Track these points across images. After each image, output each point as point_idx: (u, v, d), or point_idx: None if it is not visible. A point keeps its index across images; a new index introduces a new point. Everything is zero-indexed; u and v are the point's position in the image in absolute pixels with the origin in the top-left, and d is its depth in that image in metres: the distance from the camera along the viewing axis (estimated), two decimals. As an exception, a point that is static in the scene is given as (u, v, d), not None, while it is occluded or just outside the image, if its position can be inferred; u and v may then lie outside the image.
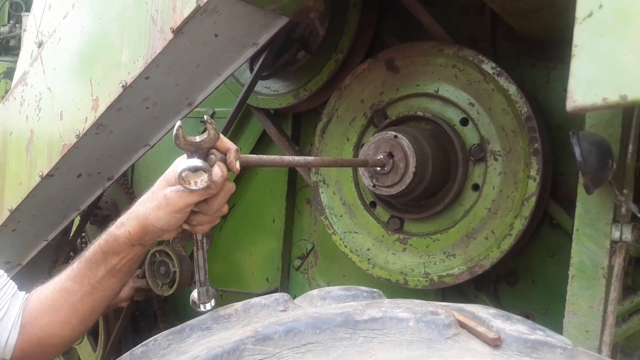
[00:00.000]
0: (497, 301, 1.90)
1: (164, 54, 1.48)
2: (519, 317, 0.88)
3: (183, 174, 0.93)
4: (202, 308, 1.09)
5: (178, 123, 0.93)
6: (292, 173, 2.32)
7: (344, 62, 1.99)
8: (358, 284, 1.11)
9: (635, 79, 0.80)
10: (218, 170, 0.96)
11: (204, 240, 1.08)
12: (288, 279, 2.37)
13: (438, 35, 1.79)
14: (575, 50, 0.85)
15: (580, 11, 0.85)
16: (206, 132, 0.95)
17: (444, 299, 1.91)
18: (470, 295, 1.90)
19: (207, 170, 0.94)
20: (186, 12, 1.37)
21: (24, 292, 1.23)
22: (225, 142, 1.00)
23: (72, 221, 2.28)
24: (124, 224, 1.08)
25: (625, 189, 1.21)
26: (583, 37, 0.85)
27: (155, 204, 1.01)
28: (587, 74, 0.84)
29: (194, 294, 1.09)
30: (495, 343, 0.79)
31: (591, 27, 0.84)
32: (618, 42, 0.81)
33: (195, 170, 0.93)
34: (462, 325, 0.85)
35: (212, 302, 1.10)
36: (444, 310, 0.84)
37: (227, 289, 2.43)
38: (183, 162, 0.95)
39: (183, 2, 1.38)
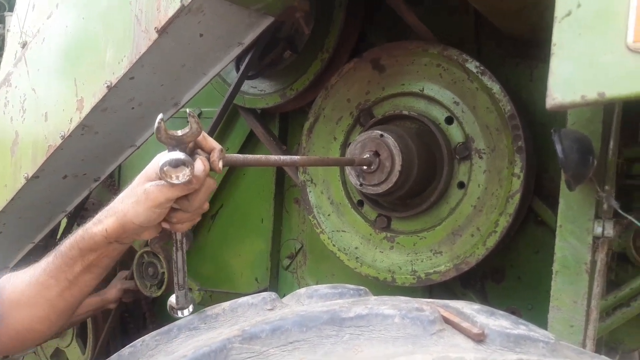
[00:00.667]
0: (484, 298, 1.92)
1: (149, 54, 1.47)
2: (502, 313, 0.89)
3: (164, 168, 0.91)
4: (179, 314, 1.05)
5: (160, 116, 0.90)
6: (280, 173, 2.33)
7: (330, 62, 2.00)
8: (347, 283, 1.11)
9: (613, 76, 0.81)
10: (200, 165, 0.95)
11: (184, 240, 1.05)
12: (277, 278, 2.37)
13: (423, 35, 1.80)
14: (554, 49, 0.87)
15: (559, 10, 0.87)
16: (188, 126, 0.92)
17: (431, 296, 1.93)
18: (457, 292, 1.92)
19: (189, 163, 0.92)
20: (170, 12, 1.37)
21: None
22: (209, 141, 0.99)
23: (59, 223, 2.26)
24: (102, 221, 1.03)
25: (607, 185, 1.23)
26: (562, 36, 0.86)
27: (135, 199, 0.98)
28: (565, 72, 0.85)
29: (172, 299, 1.06)
30: (479, 338, 0.80)
31: (570, 26, 0.86)
32: (596, 41, 0.83)
33: (177, 164, 0.91)
34: (446, 321, 0.86)
35: (191, 307, 1.07)
36: (429, 306, 0.85)
37: (216, 290, 2.43)
38: (165, 156, 0.93)
39: (167, 2, 1.38)
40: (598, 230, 1.21)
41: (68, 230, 2.61)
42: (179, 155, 0.92)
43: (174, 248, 1.04)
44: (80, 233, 1.06)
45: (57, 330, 1.18)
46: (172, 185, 0.93)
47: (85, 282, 1.10)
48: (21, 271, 1.16)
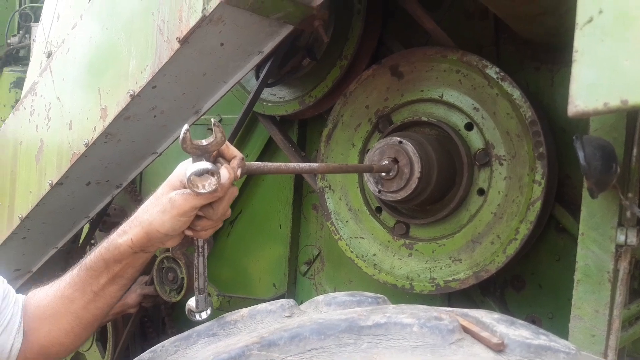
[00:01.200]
0: (503, 306, 1.89)
1: (171, 64, 1.50)
2: (522, 322, 0.88)
3: (192, 177, 0.93)
4: (198, 317, 1.07)
5: (185, 126, 0.92)
6: (298, 179, 2.34)
7: (349, 69, 2.01)
8: (364, 290, 1.11)
9: (635, 83, 0.80)
10: (226, 173, 0.96)
11: (205, 246, 1.06)
12: (295, 284, 2.37)
13: (442, 41, 1.80)
14: (576, 56, 0.86)
15: (581, 17, 0.86)
16: (212, 136, 0.94)
17: (450, 304, 1.91)
18: (476, 300, 1.90)
19: (216, 173, 0.94)
20: (192, 22, 1.39)
21: (22, 295, 1.21)
22: (231, 149, 1.01)
23: (82, 228, 2.30)
24: (127, 232, 1.05)
25: (630, 193, 1.21)
26: (583, 42, 0.86)
27: (160, 208, 1.00)
28: (587, 79, 0.84)
29: (191, 302, 1.08)
30: (498, 348, 0.79)
31: (591, 33, 0.85)
32: (618, 47, 0.82)
33: (202, 173, 0.93)
34: (466, 330, 0.85)
35: (209, 310, 1.08)
36: (448, 315, 0.85)
37: (234, 295, 2.44)
38: (192, 165, 0.94)
39: (189, 12, 1.40)
40: (621, 238, 1.19)
41: (90, 236, 2.66)
42: (206, 165, 0.94)
43: (196, 254, 1.06)
44: (105, 245, 1.09)
45: (81, 343, 1.20)
46: (198, 194, 0.94)
47: (110, 294, 1.12)
48: (46, 286, 1.18)
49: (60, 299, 1.12)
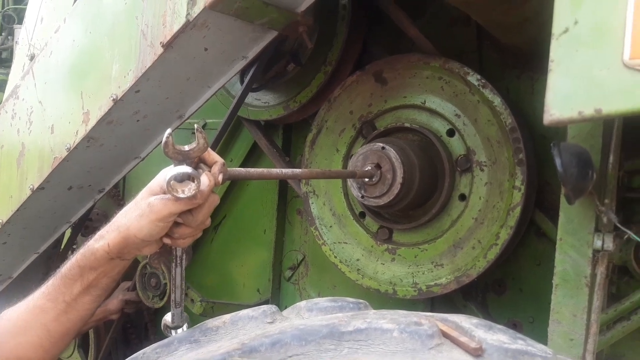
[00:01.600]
0: (485, 310, 1.91)
1: (154, 68, 1.50)
2: (500, 327, 0.89)
3: (171, 182, 0.91)
4: (173, 333, 1.04)
5: (168, 131, 0.91)
6: (283, 184, 2.34)
7: (333, 74, 2.02)
8: (348, 295, 1.12)
9: (609, 93, 0.82)
10: (206, 179, 0.96)
11: (184, 256, 1.03)
12: (279, 289, 2.37)
13: (425, 48, 1.82)
14: (551, 65, 0.88)
15: (557, 27, 0.88)
16: (195, 141, 0.94)
17: (433, 308, 1.93)
18: (458, 304, 1.92)
19: (196, 178, 0.93)
20: (176, 27, 1.39)
21: None
22: (212, 155, 1.01)
23: (63, 233, 2.28)
24: (103, 237, 1.03)
25: (607, 199, 1.23)
26: (559, 52, 0.88)
27: (138, 212, 0.98)
28: (563, 89, 0.87)
29: (167, 317, 1.05)
30: (477, 353, 0.80)
31: (567, 43, 0.87)
32: (593, 57, 0.84)
33: (182, 178, 0.92)
34: (445, 335, 0.86)
35: (185, 327, 1.05)
36: (428, 320, 0.86)
37: (218, 301, 2.43)
38: (172, 169, 0.93)
39: (173, 17, 1.40)
40: (598, 243, 1.21)
41: (72, 241, 2.63)
42: (186, 169, 0.93)
43: (173, 264, 1.03)
44: (81, 251, 1.06)
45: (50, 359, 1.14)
46: (177, 199, 0.93)
47: (83, 305, 1.08)
48: (19, 303, 1.13)
49: (32, 309, 1.08)
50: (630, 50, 0.81)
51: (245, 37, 1.55)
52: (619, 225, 1.17)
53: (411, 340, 0.82)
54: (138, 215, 0.98)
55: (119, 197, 2.80)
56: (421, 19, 1.95)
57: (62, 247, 2.63)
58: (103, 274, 1.06)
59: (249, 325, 0.98)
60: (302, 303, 1.04)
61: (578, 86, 0.85)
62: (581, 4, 0.84)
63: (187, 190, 0.93)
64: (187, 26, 1.39)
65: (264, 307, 1.02)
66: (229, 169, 1.03)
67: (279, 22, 1.51)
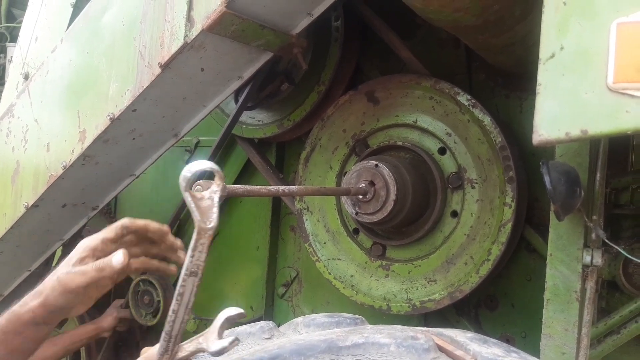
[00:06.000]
0: (478, 326, 1.93)
1: (152, 88, 1.52)
2: (494, 341, 0.91)
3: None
4: None
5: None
6: (276, 201, 2.36)
7: (326, 94, 2.06)
8: (342, 311, 1.13)
9: (594, 115, 0.86)
10: (120, 257, 1.02)
11: (195, 283, 0.93)
12: (272, 306, 2.37)
13: (416, 69, 1.87)
14: (539, 89, 0.92)
15: (543, 52, 0.93)
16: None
17: (426, 324, 1.94)
18: (451, 320, 1.94)
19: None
20: (174, 48, 1.43)
21: None
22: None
23: (55, 251, 2.27)
24: (27, 303, 1.05)
25: (595, 215, 1.26)
26: (546, 76, 0.92)
27: (51, 284, 1.03)
28: (550, 111, 0.91)
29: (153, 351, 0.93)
30: (472, 366, 0.83)
31: (553, 67, 0.91)
32: (578, 81, 0.88)
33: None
34: (441, 349, 0.88)
35: None
36: (424, 335, 0.88)
37: (211, 318, 2.42)
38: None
39: (171, 39, 1.43)
40: (587, 259, 1.24)
41: (63, 259, 2.61)
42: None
43: (176, 293, 0.92)
44: (5, 316, 1.06)
45: None
46: (83, 273, 1.00)
47: None
48: None
49: None
50: (613, 74, 0.85)
51: (241, 58, 1.59)
52: (607, 240, 1.20)
53: (408, 354, 0.84)
54: (51, 287, 1.03)
55: (110, 214, 2.79)
56: (412, 40, 2.01)
57: (54, 264, 2.61)
58: (28, 338, 1.07)
59: (246, 341, 1.00)
60: (300, 319, 1.05)
61: (565, 108, 0.89)
62: (567, 30, 0.88)
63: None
64: (185, 47, 1.42)
65: (262, 323, 1.03)
66: (227, 186, 1.04)
67: (275, 43, 1.55)
